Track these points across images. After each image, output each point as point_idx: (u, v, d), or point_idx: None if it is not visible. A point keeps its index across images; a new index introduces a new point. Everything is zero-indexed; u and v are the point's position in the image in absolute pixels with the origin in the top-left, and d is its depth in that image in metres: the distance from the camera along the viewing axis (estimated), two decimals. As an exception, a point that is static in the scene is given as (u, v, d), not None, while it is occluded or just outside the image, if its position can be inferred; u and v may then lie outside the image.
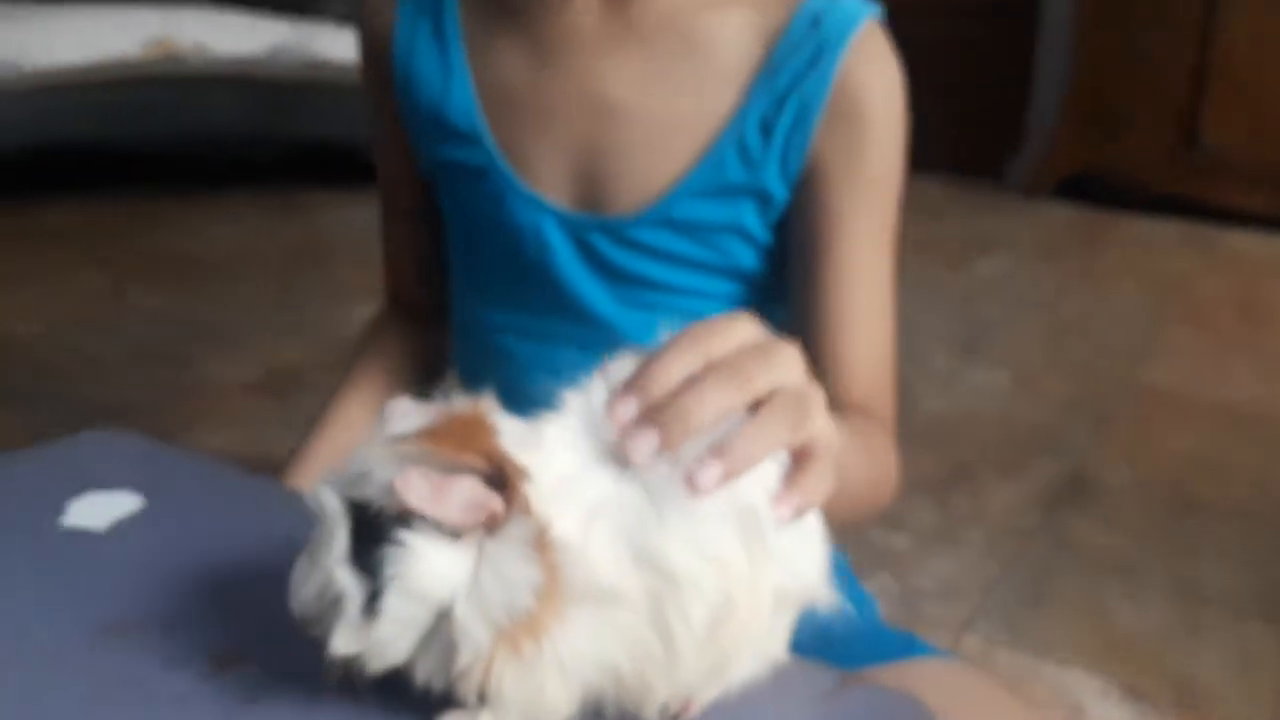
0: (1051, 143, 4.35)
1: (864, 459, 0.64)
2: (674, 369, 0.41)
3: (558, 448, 0.41)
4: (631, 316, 0.70)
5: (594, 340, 0.68)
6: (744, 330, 0.44)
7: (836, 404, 0.65)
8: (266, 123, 3.28)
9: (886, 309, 0.71)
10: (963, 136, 4.94)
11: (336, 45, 3.27)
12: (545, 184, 0.69)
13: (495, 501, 0.38)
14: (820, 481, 0.42)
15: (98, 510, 0.57)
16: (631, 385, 0.40)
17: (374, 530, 0.38)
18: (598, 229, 0.69)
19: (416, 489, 0.37)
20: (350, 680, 0.39)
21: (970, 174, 4.77)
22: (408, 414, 0.41)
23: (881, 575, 1.34)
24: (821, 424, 0.43)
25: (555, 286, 0.69)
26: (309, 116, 3.27)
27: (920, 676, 0.66)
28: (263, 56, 3.16)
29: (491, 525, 0.39)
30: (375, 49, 0.74)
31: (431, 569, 0.38)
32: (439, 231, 0.78)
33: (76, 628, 0.45)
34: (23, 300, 2.19)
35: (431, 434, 0.40)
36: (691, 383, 0.41)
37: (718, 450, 0.40)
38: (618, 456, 0.41)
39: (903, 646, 0.71)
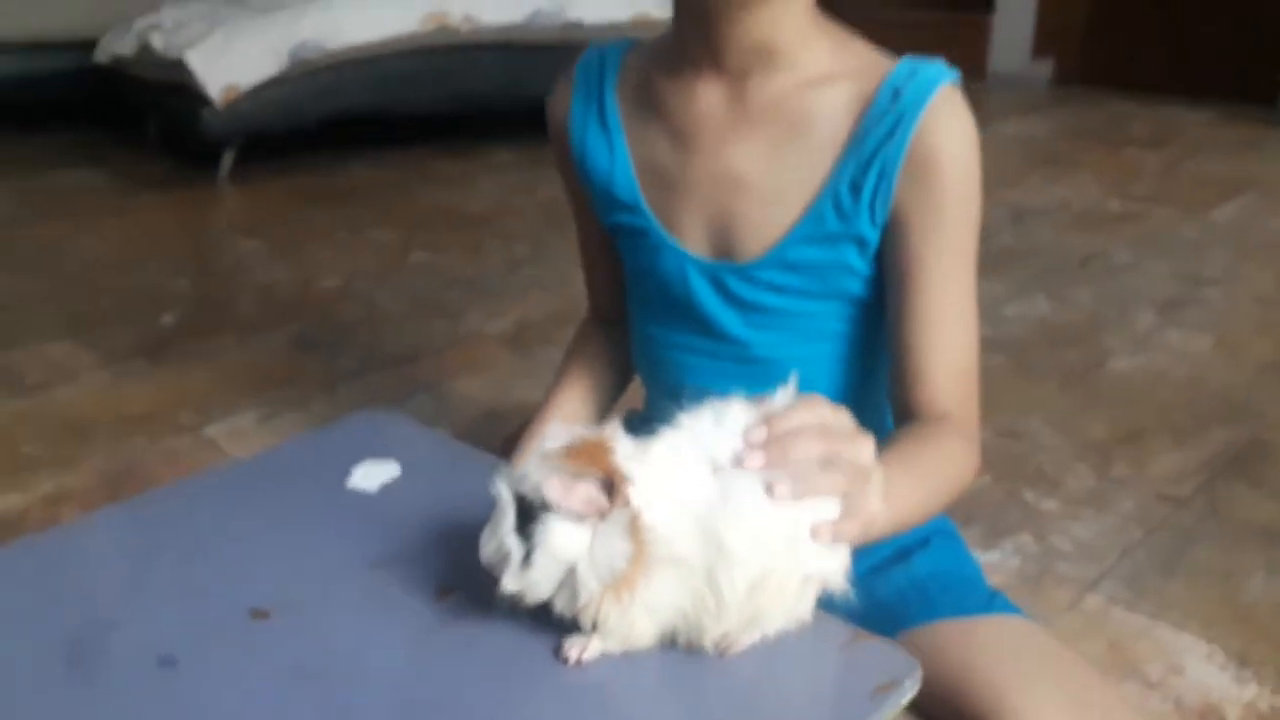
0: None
1: (928, 485, 0.78)
2: (793, 421, 0.60)
3: (661, 459, 0.60)
4: (759, 336, 0.88)
5: (729, 353, 0.87)
6: (843, 417, 0.63)
7: (922, 411, 0.81)
8: (525, 82, 3.58)
9: (967, 328, 0.84)
10: (1239, 62, 4.54)
11: (589, 8, 3.52)
12: (689, 239, 0.87)
13: (603, 500, 0.58)
14: (851, 529, 0.61)
15: (371, 476, 0.82)
16: (765, 424, 0.60)
17: (530, 512, 0.59)
18: (730, 272, 0.87)
19: (554, 489, 0.58)
20: (516, 607, 0.61)
21: (1246, 102, 4.41)
22: (557, 436, 0.62)
23: (1023, 535, 1.42)
24: (871, 495, 0.62)
25: (699, 314, 0.88)
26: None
27: (987, 630, 0.81)
28: (521, 22, 3.45)
29: (603, 514, 0.58)
30: (558, 132, 0.94)
31: (563, 540, 0.58)
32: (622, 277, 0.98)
33: (352, 560, 0.69)
34: (327, 257, 2.59)
35: (568, 452, 0.60)
36: (799, 432, 0.60)
37: (797, 477, 0.59)
38: (712, 465, 0.60)
39: (985, 603, 0.85)
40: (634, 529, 0.58)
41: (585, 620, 0.60)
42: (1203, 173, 3.41)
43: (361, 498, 0.79)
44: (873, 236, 0.82)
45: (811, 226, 0.82)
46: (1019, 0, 5.18)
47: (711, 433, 0.61)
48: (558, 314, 2.15)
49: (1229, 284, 2.36)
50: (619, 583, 0.59)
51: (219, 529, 0.75)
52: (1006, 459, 1.58)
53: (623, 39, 0.93)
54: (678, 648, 0.61)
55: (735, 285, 0.86)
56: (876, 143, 0.79)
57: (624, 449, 0.61)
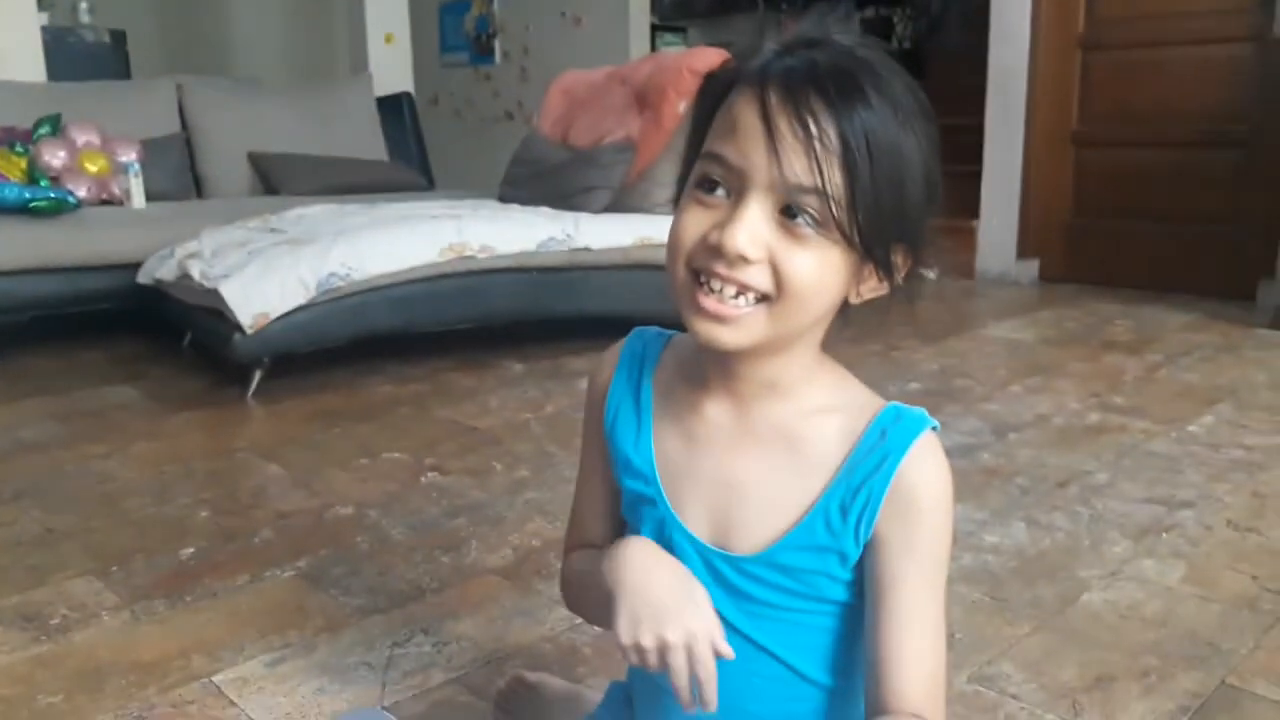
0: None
1: None
2: None
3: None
4: (746, 621, 0.99)
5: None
6: None
7: (892, 709, 0.91)
8: (537, 300, 3.82)
9: (935, 639, 0.95)
10: (1219, 261, 4.75)
11: (595, 236, 3.78)
12: (691, 521, 1.01)
13: None
14: None
15: None
16: None
17: None
18: (725, 560, 0.99)
19: None
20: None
21: (1226, 299, 4.60)
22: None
23: None
24: None
25: None
26: (572, 294, 3.78)
27: None
28: (534, 249, 3.71)
29: None
30: (597, 398, 1.10)
31: None
32: (617, 513, 1.10)
33: None
34: (339, 483, 2.72)
35: None
36: None
37: None
38: None
39: None
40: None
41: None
42: (1181, 382, 3.54)
43: None
44: (854, 553, 0.95)
45: (803, 536, 0.96)
46: (1003, 206, 5.47)
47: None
48: (556, 543, 2.26)
49: (1202, 506, 2.45)
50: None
51: None
52: (978, 709, 1.65)
53: (663, 330, 1.08)
54: None
55: (728, 572, 0.99)
56: (865, 474, 0.93)
57: None
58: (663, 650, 0.89)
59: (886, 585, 0.93)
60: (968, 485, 2.56)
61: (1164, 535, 2.29)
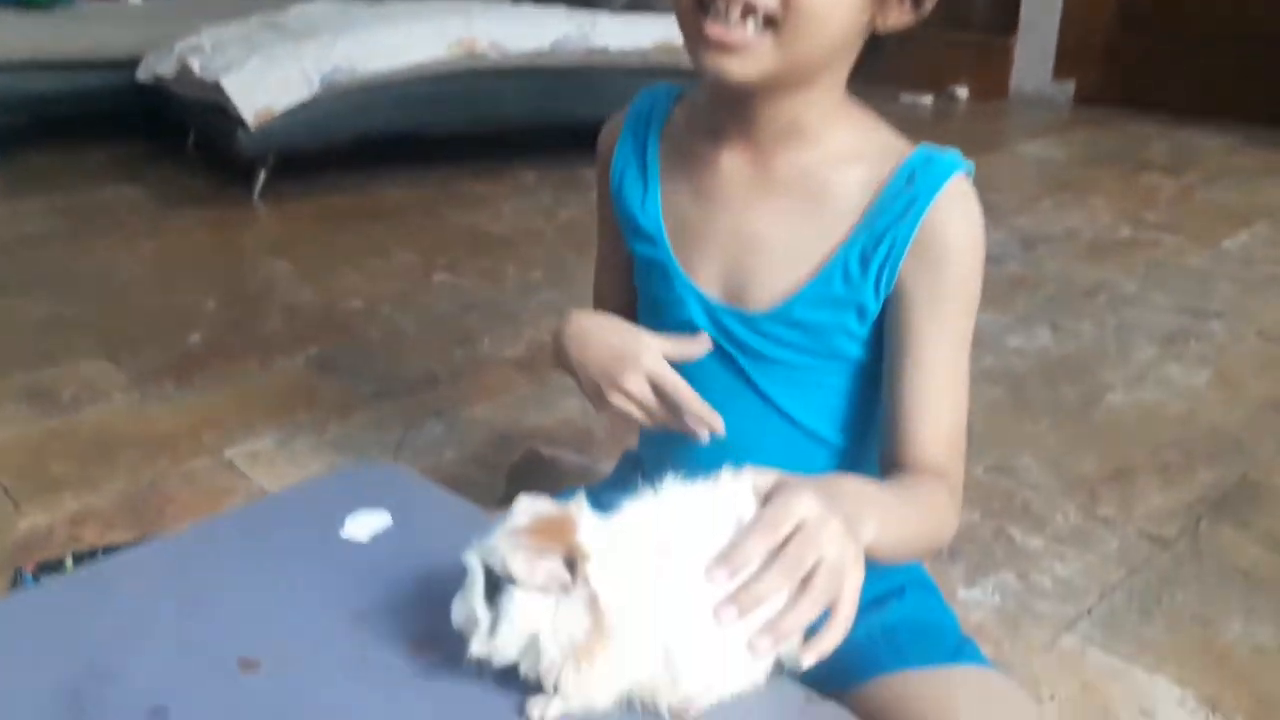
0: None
1: (913, 523, 0.84)
2: (755, 553, 0.65)
3: (621, 541, 0.67)
4: (758, 378, 0.94)
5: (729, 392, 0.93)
6: (804, 508, 0.66)
7: (910, 468, 0.87)
8: (550, 106, 3.66)
9: (958, 396, 0.89)
10: (1261, 85, 4.53)
11: (612, 35, 3.59)
12: (702, 280, 0.94)
13: (566, 576, 0.65)
14: (832, 641, 0.66)
15: (363, 525, 0.89)
16: (726, 559, 0.65)
17: (497, 584, 0.66)
18: (736, 318, 0.93)
19: (519, 564, 0.64)
20: (484, 669, 0.67)
21: (1266, 125, 4.41)
22: (524, 511, 0.68)
23: (1005, 573, 1.46)
24: (849, 594, 0.66)
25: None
26: (588, 98, 3.61)
27: (950, 680, 0.87)
28: (547, 49, 3.53)
29: (565, 589, 0.65)
30: (603, 161, 1.02)
31: (526, 612, 0.65)
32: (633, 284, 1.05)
33: (339, 612, 0.76)
34: (349, 279, 2.67)
35: (533, 528, 0.66)
36: (765, 572, 0.64)
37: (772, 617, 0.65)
38: (667, 552, 0.66)
39: (953, 653, 0.91)
40: (593, 605, 0.64)
41: (547, 683, 0.66)
42: (1217, 201, 3.42)
43: (353, 548, 0.85)
44: (874, 306, 0.88)
45: (819, 289, 0.89)
46: (1041, 22, 5.19)
47: (670, 520, 0.68)
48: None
49: (1233, 318, 2.38)
50: (579, 652, 0.65)
51: (215, 578, 0.81)
52: (995, 495, 1.63)
53: (674, 85, 1.00)
54: (635, 710, 0.68)
55: (740, 330, 0.93)
56: (889, 221, 0.85)
57: (587, 525, 0.67)
58: (640, 400, 0.87)
59: (909, 338, 0.87)
60: (994, 293, 2.49)
61: (1192, 343, 2.23)
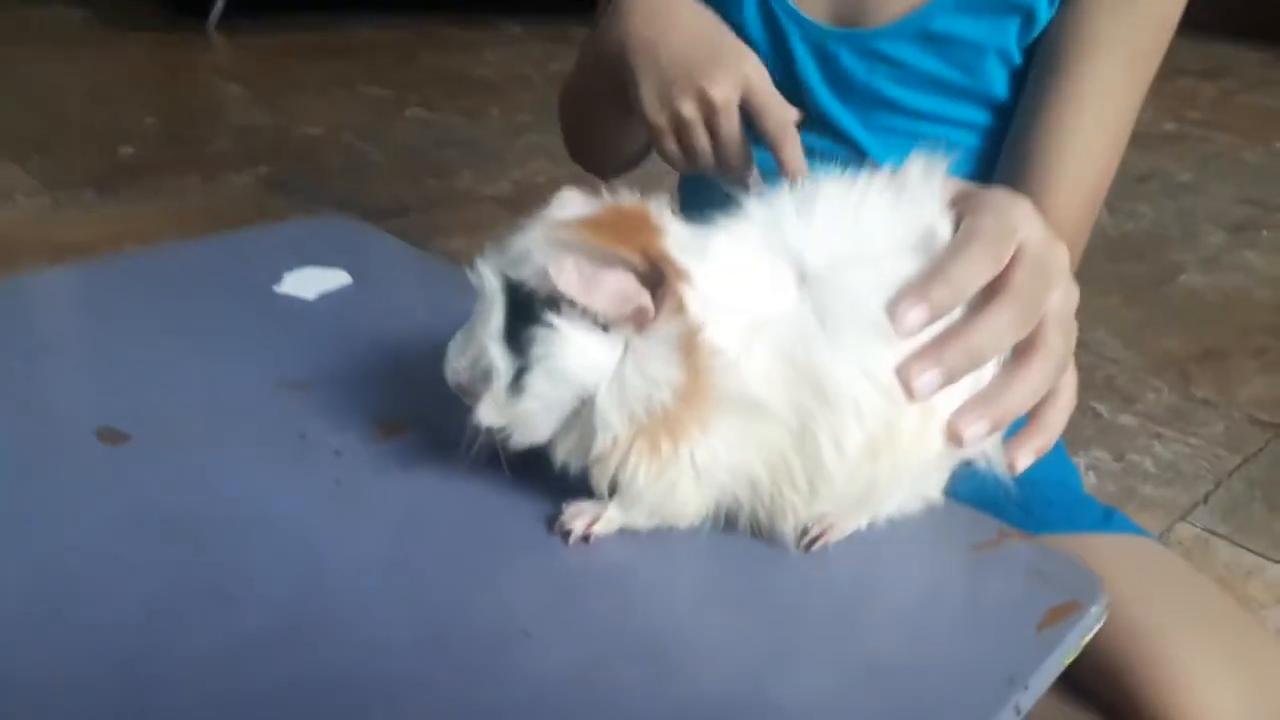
0: None
1: None
2: (968, 281, 0.39)
3: (729, 256, 0.39)
4: (879, 141, 0.67)
5: (847, 160, 0.66)
6: (1027, 225, 0.41)
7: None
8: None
9: (1114, 146, 0.66)
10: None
11: None
12: (804, 2, 0.67)
13: (645, 298, 0.38)
14: (1056, 428, 0.43)
15: (309, 282, 0.61)
16: (924, 290, 0.38)
17: (527, 311, 0.38)
18: (844, 41, 0.66)
19: (568, 275, 0.37)
20: (492, 453, 0.40)
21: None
22: (574, 202, 0.41)
23: (1098, 450, 1.25)
24: (1070, 383, 0.44)
25: (802, 103, 0.65)
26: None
27: (1110, 550, 0.62)
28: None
29: (640, 322, 0.38)
30: None
31: (577, 354, 0.38)
32: None
33: (264, 380, 0.49)
34: (310, 106, 2.35)
35: (593, 224, 0.39)
36: (984, 314, 0.39)
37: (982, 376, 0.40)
38: (799, 273, 0.39)
39: (1101, 520, 0.67)
40: (689, 349, 0.38)
41: (599, 478, 0.40)
42: (1261, 105, 3.18)
43: (293, 306, 0.58)
44: (1045, 12, 0.63)
45: None
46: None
47: (798, 227, 0.40)
48: (564, 180, 1.92)
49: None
50: (659, 425, 0.38)
51: (94, 325, 0.54)
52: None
53: None
54: (737, 532, 0.41)
55: (849, 60, 0.66)
56: None
57: (679, 233, 0.40)
58: (719, 114, 0.57)
59: (1073, 57, 0.63)
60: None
61: (1264, 233, 1.99)
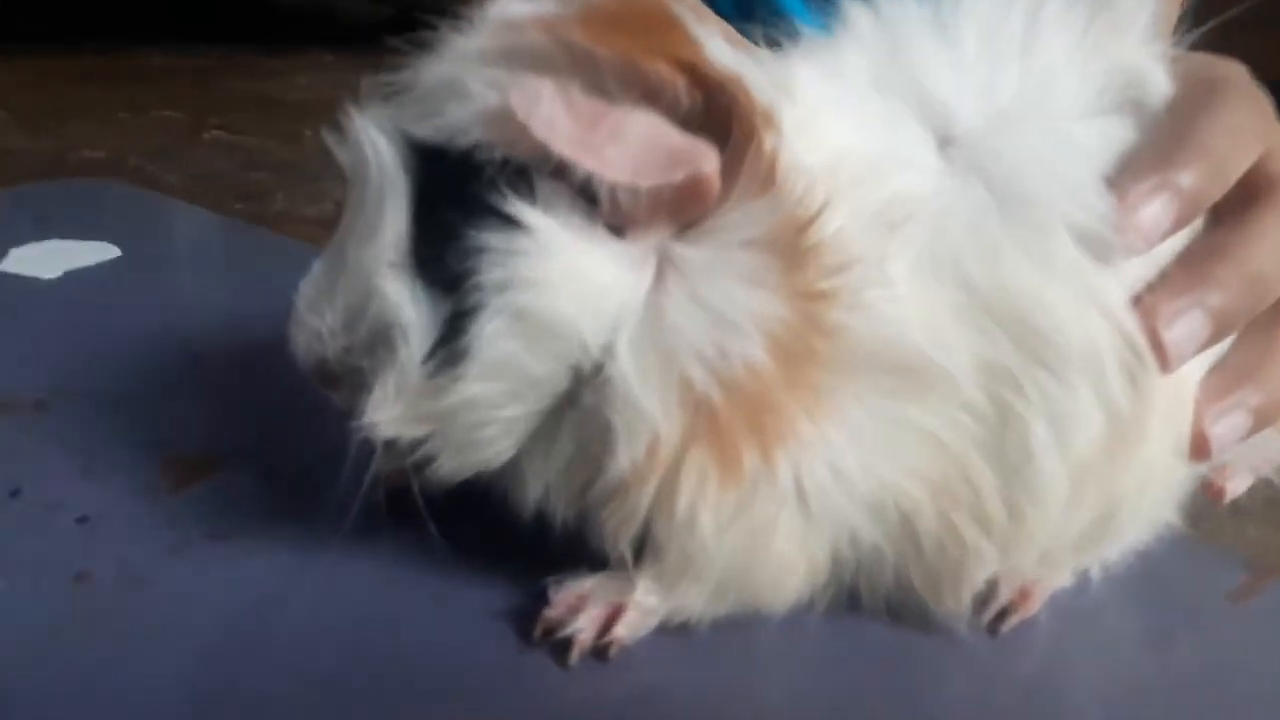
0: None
1: None
2: (1230, 160, 0.25)
3: (828, 96, 0.21)
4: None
5: None
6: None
7: None
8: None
9: None
10: None
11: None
12: None
13: (706, 158, 0.19)
14: None
15: (52, 259, 0.41)
16: (1166, 165, 0.21)
17: (459, 203, 0.19)
18: None
19: (550, 114, 0.18)
20: (399, 497, 0.20)
21: None
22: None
23: None
24: None
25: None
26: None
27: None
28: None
29: (694, 205, 0.19)
30: None
31: (569, 278, 0.19)
32: None
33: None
34: (92, 130, 2.06)
35: (590, 20, 0.20)
36: (1257, 221, 0.25)
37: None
38: (940, 138, 0.22)
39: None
40: (792, 257, 0.19)
41: (618, 530, 0.21)
42: None
43: (21, 291, 0.37)
44: None
45: None
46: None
47: (935, 57, 0.23)
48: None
49: None
50: (736, 414, 0.20)
51: None
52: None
53: None
54: (864, 614, 0.22)
55: None
56: None
57: (726, 52, 0.21)
58: None
59: None
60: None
61: None
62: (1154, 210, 0.22)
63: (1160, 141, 0.23)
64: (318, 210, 1.67)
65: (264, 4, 3.18)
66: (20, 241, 0.40)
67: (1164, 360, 0.21)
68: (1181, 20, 0.53)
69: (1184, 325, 0.22)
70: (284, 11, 3.24)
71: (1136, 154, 0.22)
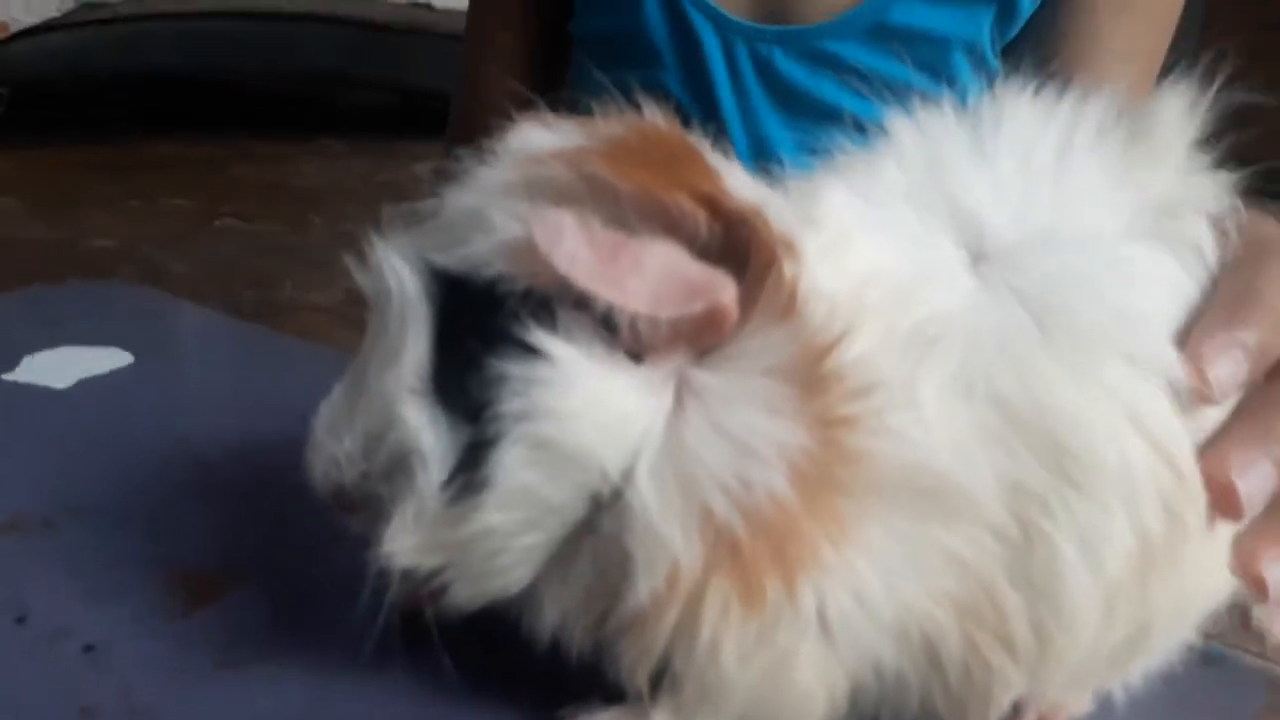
0: None
1: None
2: None
3: (857, 220, 0.21)
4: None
5: None
6: None
7: None
8: (361, 65, 3.12)
9: None
10: None
11: (443, -19, 3.11)
12: None
13: (724, 289, 0.19)
14: None
15: (64, 366, 0.40)
16: (1235, 321, 0.21)
17: (480, 331, 0.19)
18: (778, 42, 0.54)
19: (572, 247, 0.18)
20: (414, 624, 0.20)
21: None
22: (543, 135, 0.22)
23: None
24: None
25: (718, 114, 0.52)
26: (414, 62, 3.07)
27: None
28: (362, -9, 3.01)
29: (711, 334, 0.19)
30: None
31: (590, 406, 0.19)
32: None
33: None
34: (103, 219, 2.08)
35: (611, 153, 0.20)
36: None
37: None
38: (973, 255, 0.21)
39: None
40: (812, 383, 0.19)
41: (637, 661, 0.20)
42: None
43: (32, 401, 0.36)
44: (1028, 5, 0.54)
45: None
46: None
47: (970, 173, 0.23)
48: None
49: None
50: (758, 542, 0.19)
51: None
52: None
53: None
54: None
55: (785, 66, 0.53)
56: None
57: (744, 180, 0.21)
58: None
59: (1075, 58, 0.54)
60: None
61: None
62: (1227, 367, 0.22)
63: (1225, 299, 0.23)
64: (326, 297, 1.68)
65: (272, 94, 3.24)
66: (33, 348, 0.39)
67: (1235, 510, 0.21)
68: (1174, 48, 0.55)
69: (1255, 477, 0.22)
70: (292, 101, 3.29)
71: (1203, 310, 0.23)
